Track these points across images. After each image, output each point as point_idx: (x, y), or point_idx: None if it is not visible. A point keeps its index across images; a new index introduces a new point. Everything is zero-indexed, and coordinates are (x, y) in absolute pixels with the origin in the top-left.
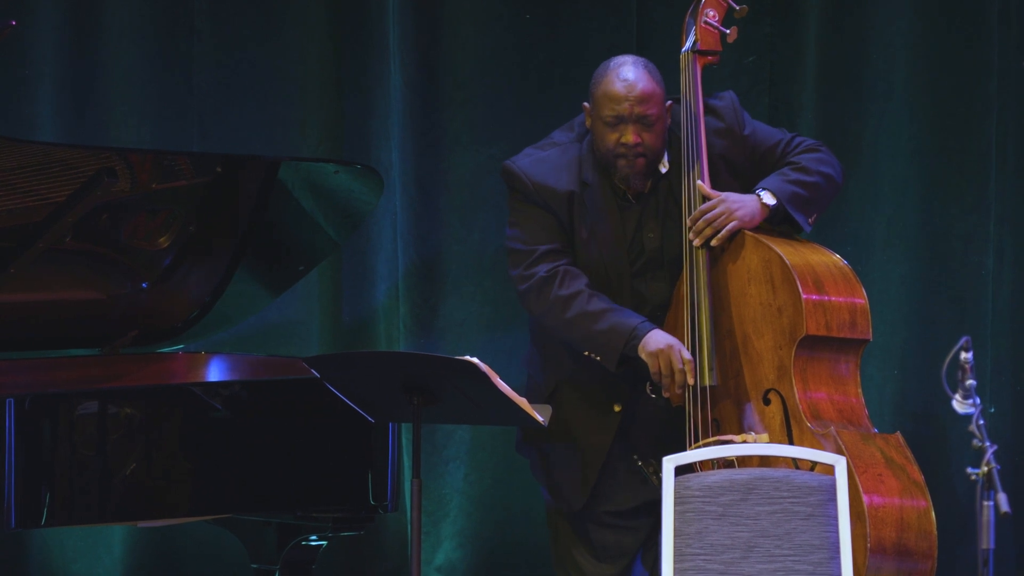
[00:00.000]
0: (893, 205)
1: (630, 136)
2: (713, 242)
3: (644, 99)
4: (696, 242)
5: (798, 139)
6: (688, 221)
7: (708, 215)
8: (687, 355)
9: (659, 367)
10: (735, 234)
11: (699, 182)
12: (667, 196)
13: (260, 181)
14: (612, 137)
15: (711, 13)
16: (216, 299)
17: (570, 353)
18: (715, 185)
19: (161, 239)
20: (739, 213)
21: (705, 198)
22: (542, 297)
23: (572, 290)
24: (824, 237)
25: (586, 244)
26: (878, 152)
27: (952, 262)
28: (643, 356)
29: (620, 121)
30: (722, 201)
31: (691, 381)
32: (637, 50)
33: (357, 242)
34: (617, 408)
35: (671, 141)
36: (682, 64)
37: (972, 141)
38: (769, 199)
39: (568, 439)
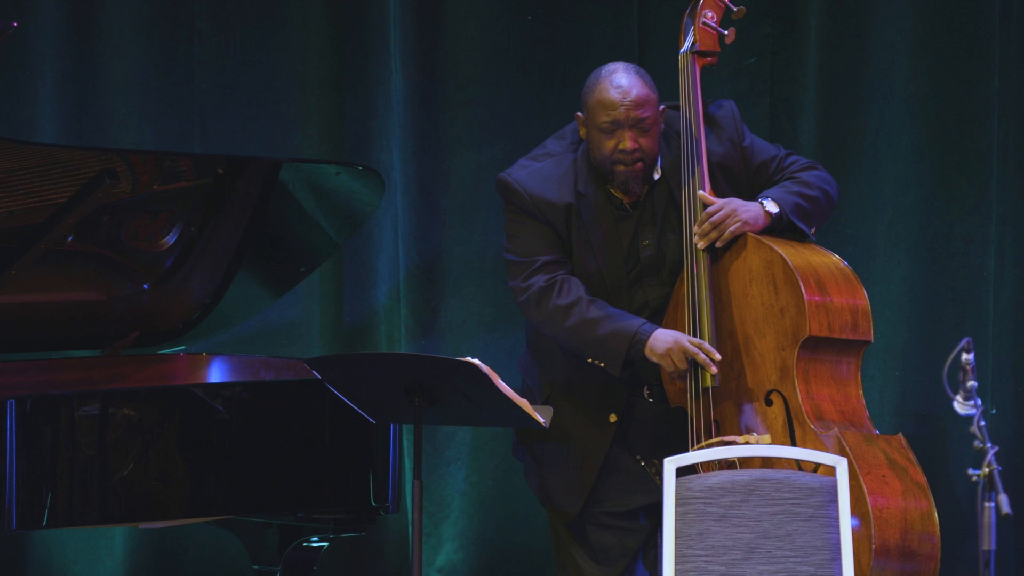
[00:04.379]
0: (894, 206)
1: (627, 142)
2: (718, 243)
3: (639, 104)
4: (700, 244)
5: (793, 156)
6: (696, 227)
7: (714, 217)
8: (695, 340)
9: (673, 364)
10: (737, 236)
11: (701, 192)
12: (662, 202)
13: (261, 182)
14: (609, 144)
15: (709, 14)
16: (217, 300)
17: (565, 359)
18: (714, 191)
19: (162, 240)
20: (744, 216)
21: (707, 205)
22: (541, 307)
23: (571, 299)
24: (825, 238)
25: (583, 255)
26: (879, 153)
27: (953, 263)
28: (654, 360)
29: (617, 127)
30: (727, 203)
31: (716, 356)
32: (638, 50)
33: (358, 243)
34: (613, 419)
35: (668, 143)
36: (681, 65)
37: (973, 142)
38: (772, 207)
39: (563, 446)
